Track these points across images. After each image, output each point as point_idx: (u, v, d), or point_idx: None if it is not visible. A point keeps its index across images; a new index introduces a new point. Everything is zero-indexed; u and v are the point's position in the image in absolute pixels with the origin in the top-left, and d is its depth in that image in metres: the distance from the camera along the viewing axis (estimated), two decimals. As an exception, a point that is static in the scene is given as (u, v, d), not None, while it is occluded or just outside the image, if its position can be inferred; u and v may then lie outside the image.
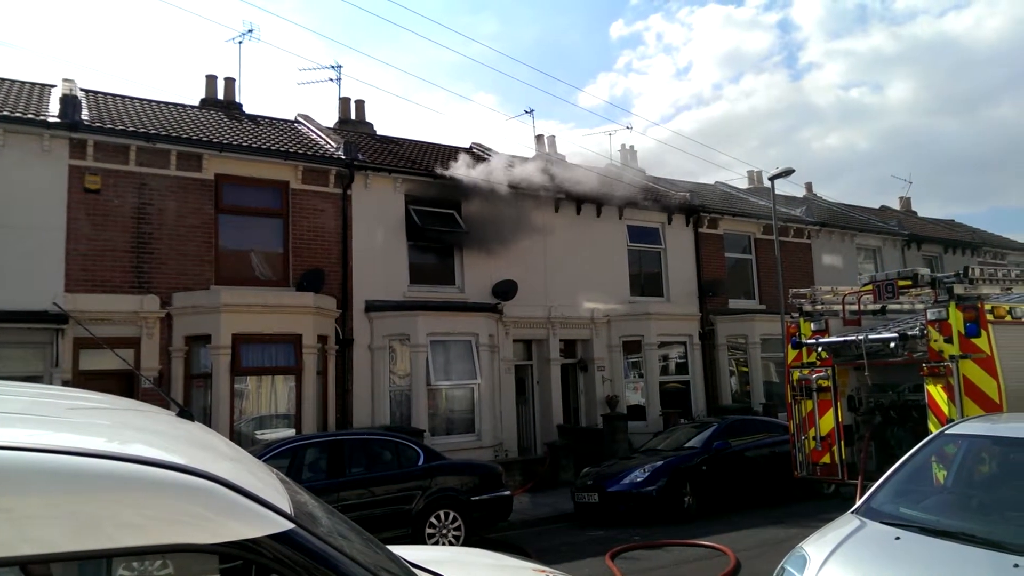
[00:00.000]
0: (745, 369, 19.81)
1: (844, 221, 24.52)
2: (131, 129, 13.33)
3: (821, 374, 9.99)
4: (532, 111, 26.24)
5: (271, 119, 17.60)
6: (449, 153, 18.40)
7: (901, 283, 9.33)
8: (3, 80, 14.93)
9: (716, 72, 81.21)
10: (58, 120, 12.62)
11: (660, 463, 12.06)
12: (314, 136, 16.79)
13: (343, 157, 15.23)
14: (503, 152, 19.82)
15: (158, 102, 16.32)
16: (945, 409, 8.26)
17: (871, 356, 9.19)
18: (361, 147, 16.48)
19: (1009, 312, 8.57)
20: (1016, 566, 3.69)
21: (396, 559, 2.55)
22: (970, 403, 8.14)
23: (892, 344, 9.09)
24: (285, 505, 1.95)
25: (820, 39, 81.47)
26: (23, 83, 15.06)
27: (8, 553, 1.54)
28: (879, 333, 9.46)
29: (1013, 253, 28.53)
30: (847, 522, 4.76)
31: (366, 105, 19.79)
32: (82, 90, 14.82)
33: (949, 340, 8.42)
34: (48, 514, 1.59)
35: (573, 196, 17.60)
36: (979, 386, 8.17)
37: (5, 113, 12.37)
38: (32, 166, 12.37)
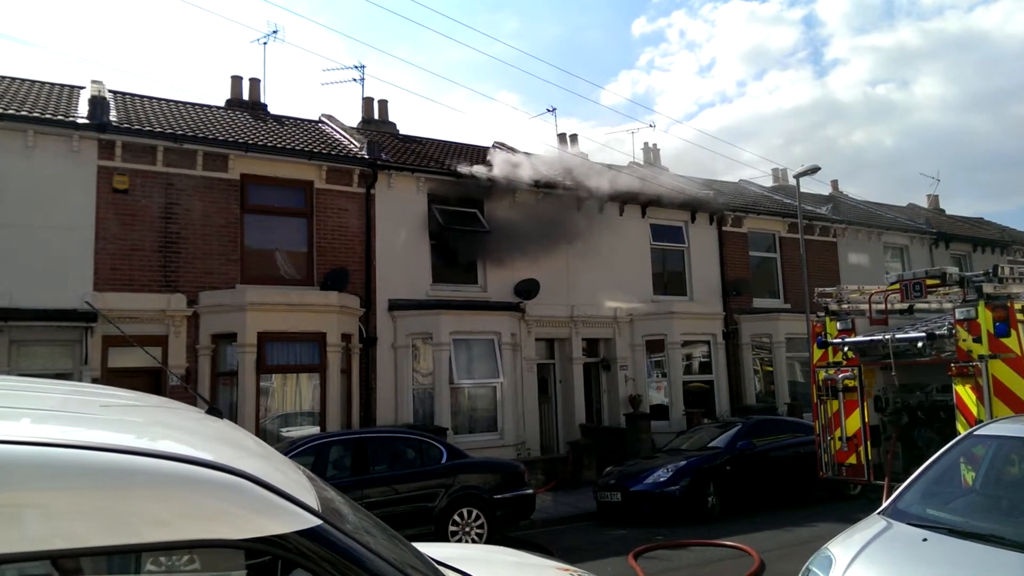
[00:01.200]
0: (769, 369, 19.64)
1: (870, 219, 24.21)
2: (158, 130, 13.52)
3: (847, 374, 9.88)
4: (554, 110, 26.16)
5: (295, 119, 17.75)
6: (471, 152, 18.45)
7: (929, 282, 9.21)
8: (33, 82, 15.21)
9: (740, 69, 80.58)
10: (87, 121, 12.83)
11: (683, 463, 12.00)
12: (338, 136, 16.91)
13: (366, 157, 15.32)
14: (526, 151, 19.83)
15: (184, 103, 16.53)
16: (974, 410, 8.13)
17: (898, 356, 9.08)
18: (384, 147, 16.57)
19: (1040, 311, 8.41)
20: (1047, 569, 3.63)
21: (421, 556, 2.57)
22: (999, 404, 8.01)
23: (920, 344, 8.97)
24: (312, 501, 1.97)
25: (846, 35, 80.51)
26: (53, 85, 15.32)
27: (40, 547, 1.57)
28: (906, 333, 9.34)
29: (1044, 251, 27.98)
30: (874, 523, 4.71)
31: (389, 105, 19.89)
32: (110, 91, 15.05)
33: (978, 340, 8.29)
34: (80, 509, 1.61)
35: (597, 196, 17.54)
36: (1008, 386, 8.03)
37: (35, 115, 12.59)
38: (61, 167, 12.58)
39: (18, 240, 12.03)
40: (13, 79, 15.07)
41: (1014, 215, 79.81)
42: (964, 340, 8.41)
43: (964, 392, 8.30)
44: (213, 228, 13.69)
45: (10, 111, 12.41)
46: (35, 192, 12.28)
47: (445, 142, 19.60)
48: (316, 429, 13.20)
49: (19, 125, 12.29)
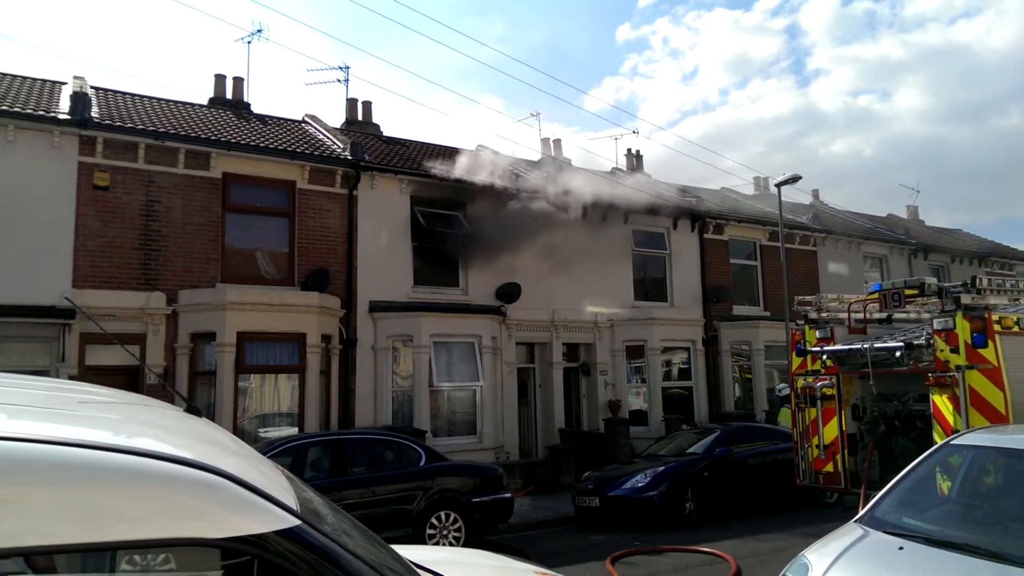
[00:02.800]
0: (749, 376, 19.77)
1: (850, 229, 24.48)
2: (140, 127, 13.40)
3: (825, 382, 9.94)
4: (539, 114, 26.22)
5: (279, 119, 17.65)
6: (455, 155, 18.43)
7: (908, 292, 9.28)
8: (14, 77, 15.02)
9: (723, 77, 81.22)
10: (68, 117, 12.69)
11: (662, 468, 12.05)
12: (321, 137, 16.84)
13: (350, 158, 15.27)
14: (509, 155, 19.84)
15: (167, 100, 16.38)
16: (950, 419, 8.21)
17: (876, 365, 9.15)
18: (368, 148, 16.52)
19: (1017, 323, 8.51)
20: (1020, 578, 3.68)
21: (399, 558, 2.56)
22: (976, 414, 8.08)
23: (898, 353, 9.03)
24: (291, 501, 1.95)
25: (828, 45, 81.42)
26: (34, 80, 15.15)
27: (13, 544, 1.54)
28: (885, 342, 9.41)
29: (1021, 264, 28.43)
30: (850, 531, 4.75)
31: (373, 106, 19.85)
32: (92, 88, 14.89)
33: (955, 350, 8.37)
34: (54, 506, 1.59)
35: (578, 202, 17.58)
36: (985, 397, 8.12)
37: (16, 109, 12.45)
38: (42, 162, 12.43)
39: (-6, 235, 11.85)
40: (-7, 72, 14.86)
41: (992, 227, 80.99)
42: (942, 350, 8.49)
43: (941, 402, 8.38)
44: (194, 226, 13.57)
45: (-11, 104, 12.24)
46: (14, 187, 12.12)
47: (429, 144, 19.58)
48: (294, 430, 13.11)
49: (-1, 119, 12.12)
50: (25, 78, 15.13)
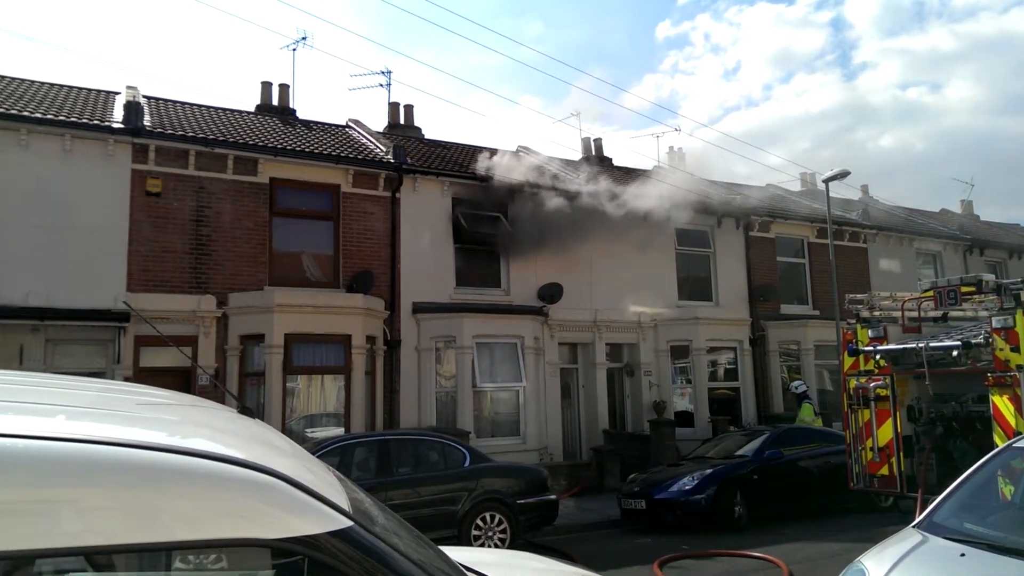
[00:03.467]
0: (798, 376, 19.38)
1: (902, 225, 23.82)
2: (190, 134, 13.72)
3: (879, 383, 9.71)
4: (578, 114, 26.07)
5: (323, 124, 17.92)
6: (496, 156, 18.46)
7: (964, 289, 9.02)
8: (71, 88, 15.52)
9: (766, 72, 79.88)
10: (122, 126, 13.06)
11: (710, 471, 11.87)
12: (364, 140, 17.04)
13: (392, 161, 15.41)
14: (549, 155, 19.81)
15: (216, 108, 16.76)
16: (1012, 421, 7.94)
17: (932, 365, 8.91)
18: (409, 151, 16.65)
19: (1080, 321, 8.20)
20: (1091, 586, 3.52)
21: (447, 559, 2.55)
22: (1038, 415, 7.82)
23: (955, 353, 8.78)
24: (343, 502, 1.96)
25: (875, 37, 79.47)
26: (89, 90, 15.63)
27: (74, 543, 1.57)
28: (941, 341, 9.16)
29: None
30: (908, 536, 4.61)
31: (414, 109, 20.02)
32: (145, 97, 15.30)
33: (1016, 349, 8.10)
34: (113, 506, 1.62)
35: (616, 201, 17.45)
36: (1048, 398, 7.84)
37: (72, 119, 12.85)
38: (97, 170, 12.81)
39: (55, 241, 12.26)
40: (52, 85, 15.40)
41: (1050, 222, 77.98)
42: (1001, 349, 8.23)
43: (1001, 403, 8.12)
44: (242, 231, 13.85)
45: (48, 116, 12.68)
46: (71, 194, 12.50)
47: (469, 146, 19.65)
48: (341, 430, 13.27)
49: (57, 129, 12.55)
50: (81, 89, 15.62)
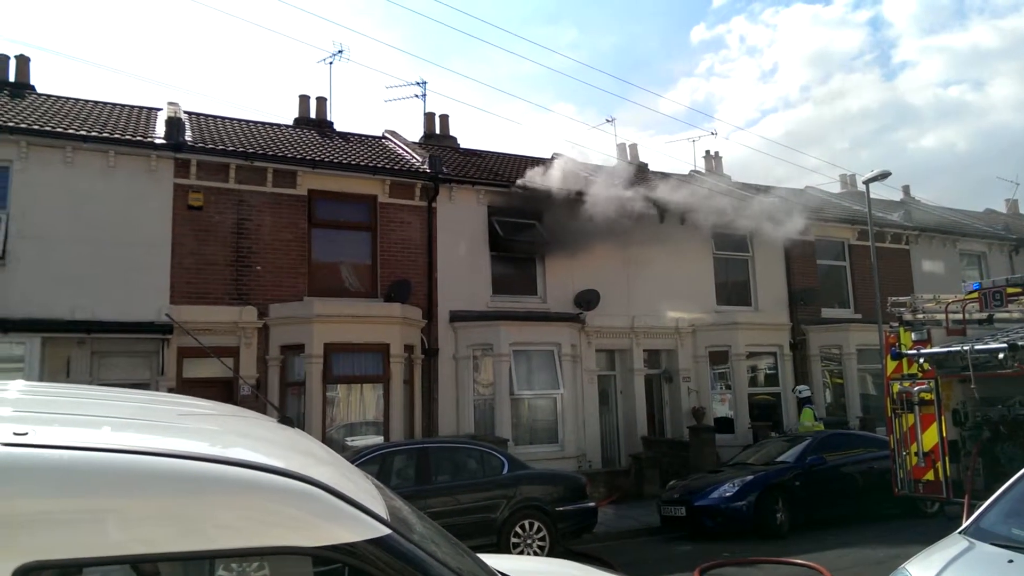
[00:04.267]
0: (840, 381, 19.03)
1: (945, 226, 23.27)
2: (231, 149, 14.02)
3: (923, 386, 9.51)
4: (613, 120, 26.17)
5: (360, 136, 18.16)
6: (530, 164, 18.50)
7: (1010, 291, 8.81)
8: (114, 105, 15.96)
9: (803, 73, 78.71)
10: (164, 141, 13.39)
11: (750, 477, 11.73)
12: (400, 151, 17.22)
13: (428, 171, 15.56)
14: (584, 161, 19.79)
15: (255, 122, 17.09)
16: (1062, 425, 7.72)
17: (978, 368, 8.69)
18: (445, 161, 16.78)
19: None
20: None
21: (485, 567, 2.58)
22: (1090, 419, 7.58)
23: (1001, 355, 8.55)
24: (381, 510, 1.99)
25: (914, 35, 77.86)
26: (131, 107, 16.05)
27: (120, 552, 1.61)
28: (986, 343, 8.93)
29: None
30: (954, 543, 4.52)
31: (449, 119, 20.18)
32: (185, 112, 15.66)
33: (1065, 351, 7.88)
34: (159, 515, 1.66)
35: (657, 207, 17.38)
36: (1100, 400, 7.60)
37: (116, 136, 13.20)
38: (140, 185, 13.15)
39: (99, 256, 12.59)
40: (95, 102, 15.86)
41: (1103, 219, 75.32)
42: (1050, 351, 8.00)
43: (1051, 406, 7.89)
44: (282, 242, 14.09)
45: (93, 133, 13.05)
46: (115, 210, 12.84)
47: (504, 155, 19.75)
48: (380, 439, 13.39)
49: (101, 146, 12.91)
50: (123, 106, 16.05)
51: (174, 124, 13.92)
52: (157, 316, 12.51)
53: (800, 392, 16.41)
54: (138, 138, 13.38)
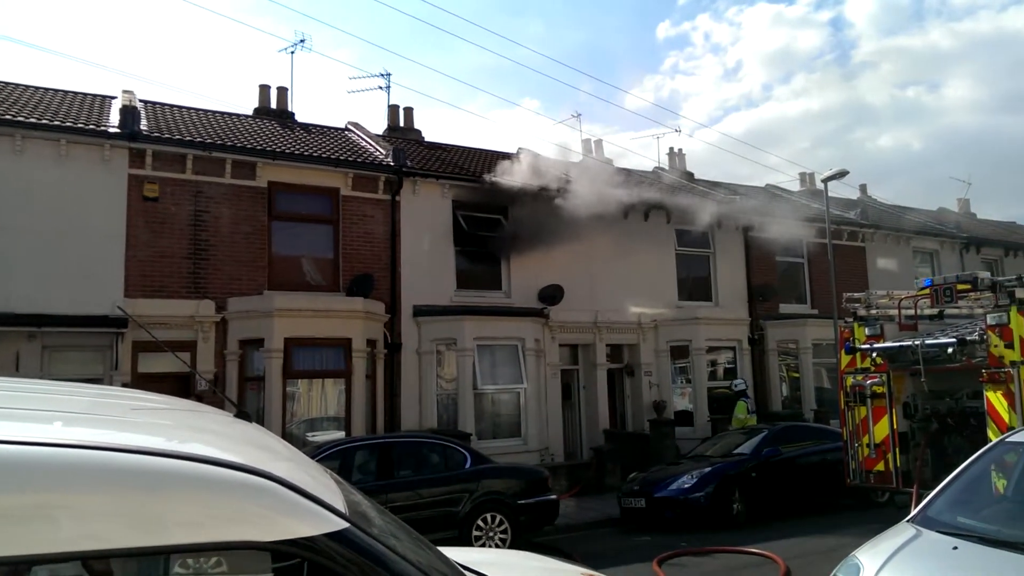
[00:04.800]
0: (796, 375, 19.43)
1: (899, 224, 23.87)
2: (188, 139, 13.75)
3: (876, 380, 9.76)
4: (579, 115, 26.20)
5: (322, 127, 17.95)
6: (495, 159, 18.49)
7: (960, 287, 9.08)
8: (66, 92, 15.54)
9: (765, 72, 79.88)
10: (118, 130, 13.07)
11: (709, 469, 11.93)
12: (364, 144, 17.07)
13: (392, 164, 15.45)
14: (549, 157, 19.84)
15: (213, 112, 16.79)
16: (1005, 416, 7.99)
17: (928, 362, 8.96)
18: (409, 154, 16.69)
19: (1075, 317, 8.24)
20: (1082, 579, 3.57)
21: (446, 560, 2.58)
22: (1033, 411, 7.86)
23: (950, 350, 8.84)
24: (340, 504, 1.99)
25: (874, 37, 79.50)
26: (84, 95, 15.64)
27: (70, 548, 1.58)
28: (937, 338, 9.21)
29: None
30: (902, 531, 4.65)
31: (414, 112, 20.06)
32: (141, 101, 15.32)
33: (1010, 345, 8.15)
34: (110, 511, 1.62)
35: (620, 202, 17.51)
36: (1042, 393, 7.88)
37: (68, 124, 12.86)
38: (93, 175, 12.83)
39: (51, 247, 12.28)
40: (47, 89, 15.42)
41: (1047, 219, 77.99)
42: (996, 346, 8.28)
43: (995, 398, 8.17)
44: (241, 235, 13.87)
45: (43, 121, 12.69)
46: (67, 200, 12.52)
47: (469, 149, 19.69)
48: (341, 434, 13.30)
49: (52, 135, 12.57)
50: (76, 93, 15.63)
51: (129, 113, 13.61)
52: (111, 310, 12.23)
53: (736, 386, 16.77)
54: (91, 127, 13.05)
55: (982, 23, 73.37)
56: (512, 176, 16.48)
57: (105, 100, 15.35)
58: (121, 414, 2.27)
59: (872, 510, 11.51)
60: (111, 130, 13.07)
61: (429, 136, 19.90)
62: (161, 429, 2.17)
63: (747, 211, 19.15)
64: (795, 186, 26.17)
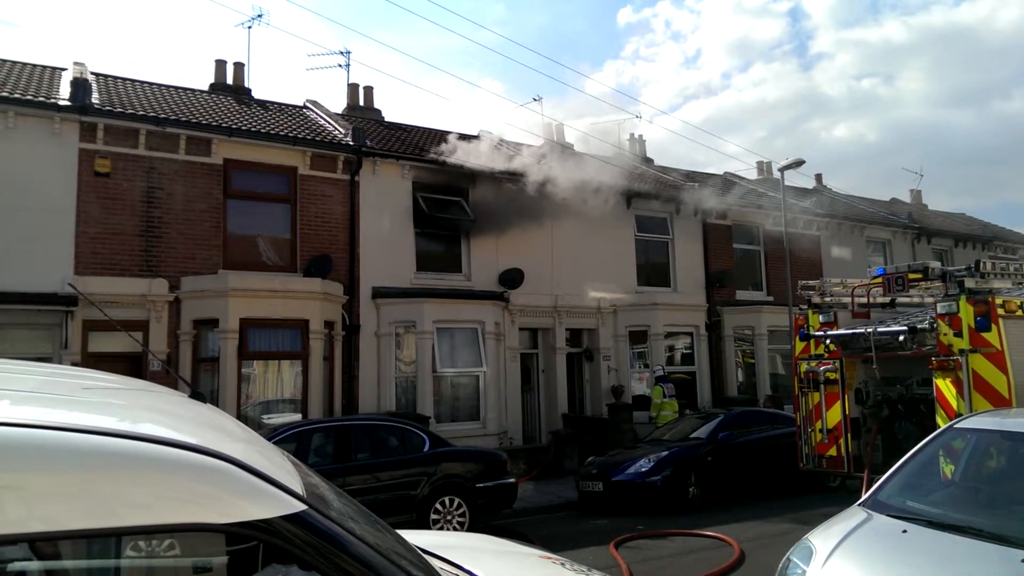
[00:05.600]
0: (751, 361, 19.78)
1: (854, 213, 24.40)
2: (141, 113, 13.36)
3: (829, 366, 9.95)
4: (540, 99, 26.18)
5: (280, 104, 17.59)
6: (457, 140, 18.34)
7: (911, 276, 9.27)
8: (14, 63, 14.96)
9: (725, 61, 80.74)
10: (69, 103, 12.64)
11: (665, 453, 12.08)
12: (323, 122, 16.78)
13: (351, 143, 15.22)
14: (511, 140, 19.77)
15: (168, 86, 16.33)
16: (954, 403, 8.22)
17: (880, 349, 9.15)
18: (369, 133, 16.46)
19: (1020, 307, 8.49)
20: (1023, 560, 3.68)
21: (405, 543, 2.56)
22: (979, 397, 8.09)
23: (901, 337, 9.03)
24: (297, 487, 1.95)
25: (831, 28, 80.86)
26: (34, 66, 15.08)
27: (18, 530, 1.54)
28: (888, 326, 9.40)
29: (1023, 247, 28.34)
30: (854, 514, 4.76)
31: (374, 91, 19.77)
32: (93, 73, 14.84)
33: (959, 334, 8.37)
34: (59, 492, 1.58)
35: (579, 187, 17.55)
36: (988, 381, 8.12)
37: (16, 96, 12.40)
38: (42, 149, 12.40)
39: (-3, 222, 11.84)
40: (-8, 59, 14.81)
41: (995, 211, 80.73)
42: (945, 334, 8.49)
43: (944, 386, 8.39)
44: (195, 213, 13.55)
45: (-11, 91, 12.19)
46: (15, 174, 12.09)
47: (431, 130, 19.50)
48: (298, 416, 13.15)
49: (-2, 105, 12.07)
50: (25, 64, 15.06)
51: (80, 85, 13.16)
52: (60, 287, 11.87)
53: (655, 371, 17.14)
54: (40, 98, 12.59)
55: (936, 17, 75.14)
56: (474, 158, 16.38)
57: (55, 72, 14.83)
58: (72, 393, 2.20)
59: (825, 494, 11.78)
60: (61, 103, 12.63)
61: (389, 116, 19.68)
62: (113, 409, 2.11)
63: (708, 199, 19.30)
64: (752, 174, 26.54)
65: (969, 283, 8.63)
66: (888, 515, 4.57)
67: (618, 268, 18.51)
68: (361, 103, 19.35)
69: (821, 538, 4.48)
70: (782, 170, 18.48)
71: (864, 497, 5.10)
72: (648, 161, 23.63)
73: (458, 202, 16.51)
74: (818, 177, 28.54)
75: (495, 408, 15.66)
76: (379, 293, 15.13)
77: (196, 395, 2.55)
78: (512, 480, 11.04)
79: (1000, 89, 73.49)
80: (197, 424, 2.12)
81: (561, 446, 16.04)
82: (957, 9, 78.38)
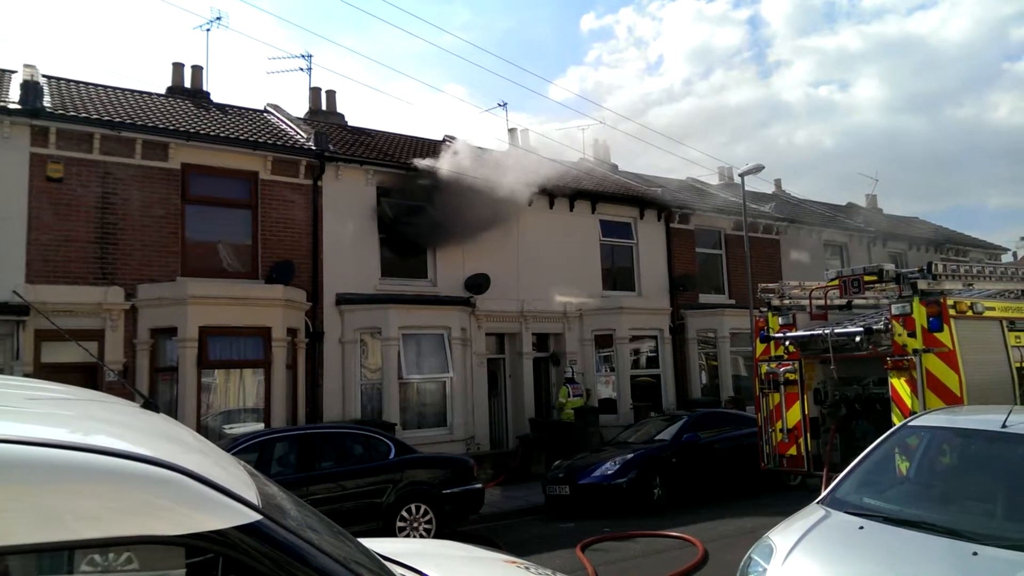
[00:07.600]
0: (714, 363, 20.01)
1: (812, 217, 24.86)
2: (95, 117, 13.06)
3: (788, 367, 10.11)
4: (505, 104, 26.30)
5: (240, 108, 17.35)
6: (421, 145, 18.30)
7: (867, 278, 9.46)
8: (-39, 65, 14.54)
9: (686, 67, 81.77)
10: (19, 107, 12.32)
11: (630, 455, 12.16)
12: (284, 126, 16.59)
13: (313, 148, 15.07)
14: (475, 145, 19.75)
15: (123, 89, 15.99)
16: (908, 402, 8.40)
17: (837, 350, 9.32)
18: (332, 138, 16.31)
19: (970, 307, 8.73)
20: (975, 553, 3.79)
21: (367, 552, 2.53)
22: (932, 396, 8.28)
23: (857, 338, 9.22)
24: (252, 497, 1.92)
25: (789, 36, 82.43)
26: (-18, 68, 14.67)
27: None
28: (845, 327, 9.59)
29: (974, 250, 29.16)
30: (812, 512, 4.84)
31: (337, 95, 19.62)
32: (44, 76, 14.48)
33: (912, 334, 8.56)
34: (7, 506, 1.55)
35: (546, 191, 17.61)
36: (941, 379, 8.32)
37: (-37, 99, 12.04)
38: (-8, 154, 12.05)
39: (-57, 229, 11.48)
40: (-62, 61, 14.37)
41: (946, 215, 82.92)
42: (899, 335, 8.68)
43: (899, 385, 8.58)
44: (152, 219, 13.29)
45: (-65, 94, 11.83)
46: (-38, 179, 11.73)
47: (395, 135, 19.40)
48: (260, 426, 12.94)
49: (-56, 109, 11.73)
50: (-27, 67, 14.64)
51: (31, 88, 12.83)
52: (10, 296, 11.54)
53: (567, 372, 17.62)
54: (-12, 102, 12.24)
55: (889, 26, 77.03)
56: (438, 163, 16.32)
57: (4, 74, 14.43)
58: (17, 404, 2.15)
59: (785, 493, 11.95)
60: (11, 106, 12.29)
61: (353, 121, 19.53)
62: (61, 420, 2.06)
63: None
64: (714, 180, 26.90)
65: (922, 285, 8.83)
66: (846, 512, 4.66)
67: (584, 272, 18.60)
68: (324, 107, 19.18)
69: (781, 536, 4.55)
70: (742, 175, 18.77)
71: (823, 495, 5.18)
72: (612, 167, 23.80)
73: (423, 207, 16.41)
74: (777, 182, 29.02)
75: (462, 414, 15.61)
76: (343, 299, 14.99)
77: (148, 404, 2.50)
78: (479, 486, 11.01)
79: (951, 96, 75.64)
80: (148, 435, 2.09)
81: (528, 451, 16.04)
82: (910, 19, 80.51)
